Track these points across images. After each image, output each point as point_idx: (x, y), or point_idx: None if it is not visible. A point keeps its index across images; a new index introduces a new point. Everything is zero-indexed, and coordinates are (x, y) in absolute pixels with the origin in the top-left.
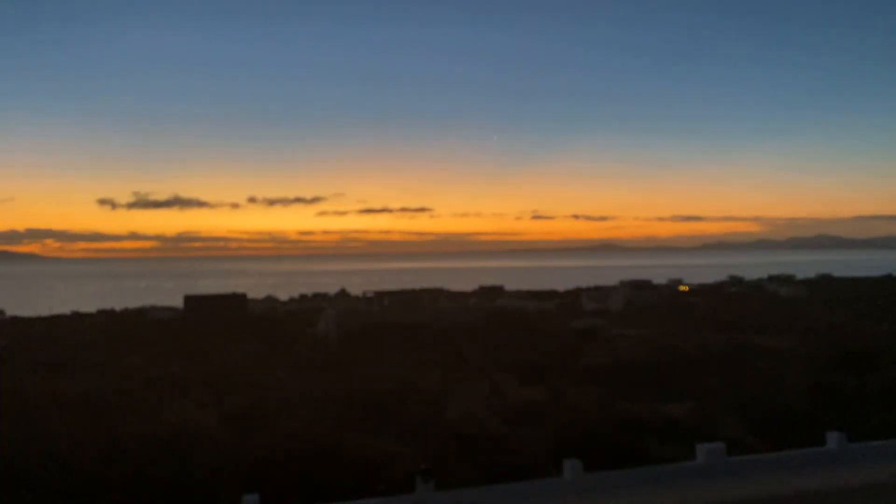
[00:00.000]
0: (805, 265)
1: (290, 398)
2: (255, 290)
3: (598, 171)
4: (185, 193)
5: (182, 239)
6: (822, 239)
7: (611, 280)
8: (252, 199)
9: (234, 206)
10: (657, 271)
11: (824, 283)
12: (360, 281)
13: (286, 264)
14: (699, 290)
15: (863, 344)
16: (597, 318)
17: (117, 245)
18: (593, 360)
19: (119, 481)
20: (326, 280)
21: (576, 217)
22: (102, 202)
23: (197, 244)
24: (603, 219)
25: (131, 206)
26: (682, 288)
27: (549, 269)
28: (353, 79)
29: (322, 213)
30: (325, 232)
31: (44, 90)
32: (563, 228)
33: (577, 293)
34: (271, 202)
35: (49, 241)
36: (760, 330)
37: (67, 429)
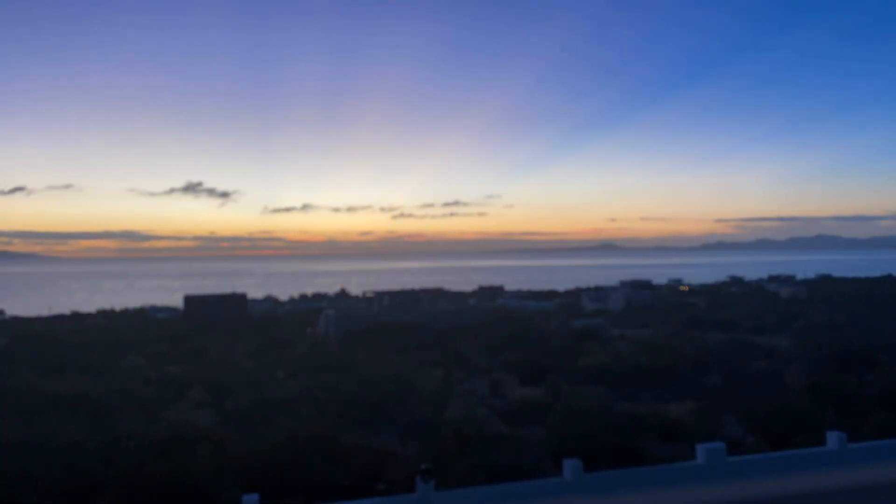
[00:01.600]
0: (805, 265)
1: (290, 398)
2: (256, 289)
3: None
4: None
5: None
6: (822, 239)
7: (611, 280)
8: (307, 206)
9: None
10: (657, 271)
11: (824, 283)
12: (360, 281)
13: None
14: (699, 290)
15: (863, 344)
16: (597, 318)
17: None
18: (593, 360)
19: (119, 481)
20: (327, 280)
21: (643, 219)
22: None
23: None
24: (662, 219)
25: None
26: (682, 288)
27: (549, 269)
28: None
29: (400, 215)
30: (387, 230)
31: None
32: (631, 228)
33: (577, 293)
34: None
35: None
36: (760, 330)
37: (67, 429)
